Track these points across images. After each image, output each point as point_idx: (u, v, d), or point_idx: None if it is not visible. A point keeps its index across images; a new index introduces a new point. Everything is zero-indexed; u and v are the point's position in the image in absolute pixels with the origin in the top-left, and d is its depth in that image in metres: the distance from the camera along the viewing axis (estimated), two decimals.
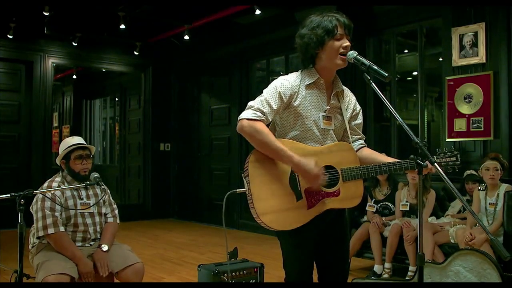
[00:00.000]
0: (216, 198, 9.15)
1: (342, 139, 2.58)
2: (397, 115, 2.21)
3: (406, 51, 7.78)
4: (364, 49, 6.81)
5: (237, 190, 2.42)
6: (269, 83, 2.50)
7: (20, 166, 8.73)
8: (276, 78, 2.50)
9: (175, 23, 8.42)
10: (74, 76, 11.95)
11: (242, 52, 8.66)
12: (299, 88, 2.43)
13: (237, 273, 3.44)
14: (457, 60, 5.62)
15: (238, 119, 2.38)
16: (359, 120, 2.64)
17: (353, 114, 2.61)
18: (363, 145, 2.65)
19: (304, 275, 2.45)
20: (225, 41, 8.85)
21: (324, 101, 2.48)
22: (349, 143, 2.54)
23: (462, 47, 5.58)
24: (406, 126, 2.14)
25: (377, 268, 5.04)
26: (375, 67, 2.28)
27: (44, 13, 7.06)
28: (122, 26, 7.55)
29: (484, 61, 5.41)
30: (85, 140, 3.53)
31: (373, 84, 2.33)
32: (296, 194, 2.34)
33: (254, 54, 8.55)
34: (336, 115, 2.53)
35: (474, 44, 5.47)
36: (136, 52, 9.34)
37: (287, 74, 2.53)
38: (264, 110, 2.36)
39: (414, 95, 6.40)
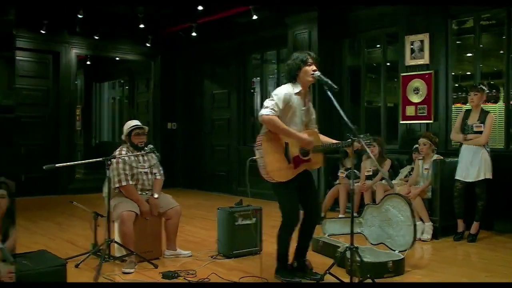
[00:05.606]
0: (217, 170, 10.77)
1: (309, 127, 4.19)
2: (341, 110, 3.80)
3: (378, 45, 9.33)
4: (341, 47, 8.40)
5: (254, 157, 3.95)
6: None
7: (48, 143, 10.22)
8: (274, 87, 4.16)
9: (184, 20, 9.82)
10: (88, 62, 13.39)
11: (240, 46, 10.07)
12: (292, 95, 3.99)
13: (245, 212, 4.99)
14: (408, 61, 7.25)
15: (260, 114, 3.89)
16: (313, 116, 4.27)
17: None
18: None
19: (293, 209, 4.02)
20: (225, 37, 10.21)
21: (302, 104, 4.08)
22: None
23: (412, 51, 7.20)
24: (345, 117, 3.74)
25: (341, 216, 6.73)
26: (330, 82, 3.87)
27: (78, 15, 8.49)
28: (142, 26, 8.98)
29: (428, 62, 7.05)
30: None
31: (328, 92, 3.91)
32: (287, 160, 3.96)
33: (250, 48, 9.97)
34: (307, 113, 4.14)
35: (421, 49, 7.08)
36: (148, 44, 10.73)
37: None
38: (275, 109, 3.88)
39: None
